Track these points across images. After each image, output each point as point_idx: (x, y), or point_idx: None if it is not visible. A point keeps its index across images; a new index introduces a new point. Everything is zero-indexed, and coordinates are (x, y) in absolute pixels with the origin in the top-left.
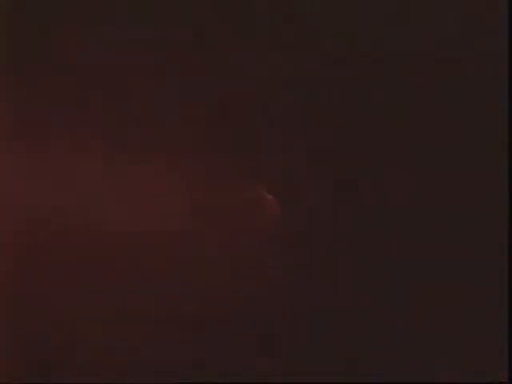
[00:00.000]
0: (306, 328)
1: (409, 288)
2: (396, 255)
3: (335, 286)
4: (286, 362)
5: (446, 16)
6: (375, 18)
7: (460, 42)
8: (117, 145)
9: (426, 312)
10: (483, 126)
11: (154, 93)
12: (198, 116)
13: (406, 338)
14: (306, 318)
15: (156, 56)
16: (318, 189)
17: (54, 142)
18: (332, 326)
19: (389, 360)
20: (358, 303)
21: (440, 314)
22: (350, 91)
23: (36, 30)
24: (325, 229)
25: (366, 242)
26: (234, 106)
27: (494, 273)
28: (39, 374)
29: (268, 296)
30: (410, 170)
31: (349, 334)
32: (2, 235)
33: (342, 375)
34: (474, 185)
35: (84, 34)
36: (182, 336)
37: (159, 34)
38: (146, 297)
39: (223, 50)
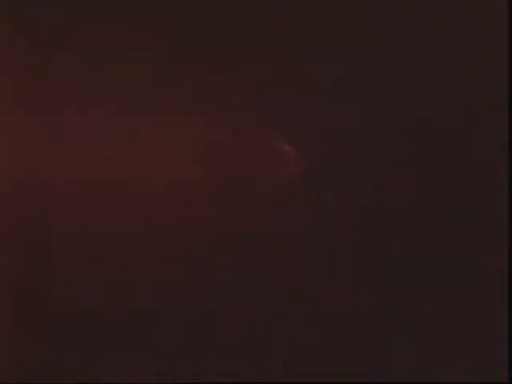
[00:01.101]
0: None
1: (409, 288)
2: (396, 255)
3: (350, 250)
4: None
5: (446, 15)
6: (374, 16)
7: (460, 42)
8: (125, 96)
9: (426, 312)
10: (483, 126)
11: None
12: (217, 67)
13: (406, 337)
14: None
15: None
16: (340, 141)
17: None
18: (331, 323)
19: (389, 360)
20: (357, 301)
21: (440, 314)
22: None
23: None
24: (346, 182)
25: (365, 238)
26: (252, 54)
27: (494, 273)
28: (39, 374)
29: (284, 250)
30: (410, 170)
31: (348, 333)
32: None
33: (342, 375)
34: (474, 185)
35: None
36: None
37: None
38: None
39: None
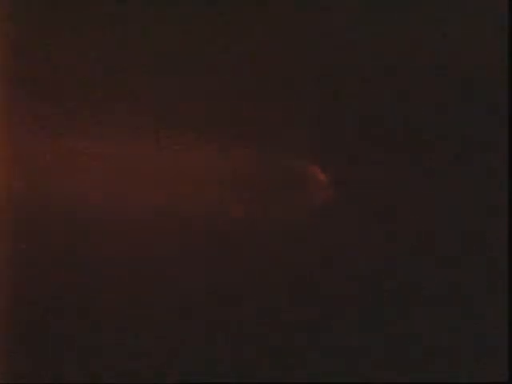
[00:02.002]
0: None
1: (409, 288)
2: (396, 254)
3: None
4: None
5: (446, 16)
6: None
7: (460, 42)
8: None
9: (426, 312)
10: (483, 127)
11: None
12: (237, 88)
13: (407, 338)
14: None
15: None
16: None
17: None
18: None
19: (389, 360)
20: (358, 302)
21: (440, 313)
22: None
23: None
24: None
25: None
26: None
27: (494, 273)
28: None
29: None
30: (411, 169)
31: (348, 333)
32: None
33: (342, 375)
34: (474, 185)
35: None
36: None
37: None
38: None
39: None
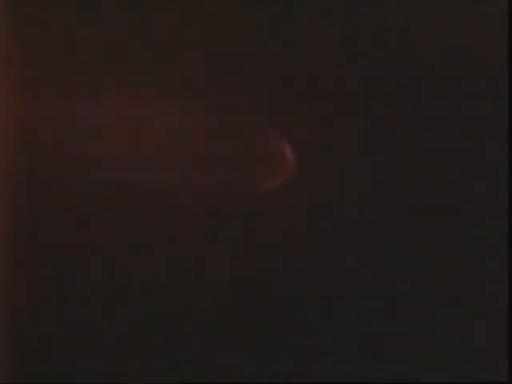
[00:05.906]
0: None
1: (409, 288)
2: (394, 255)
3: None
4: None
5: (446, 15)
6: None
7: (460, 41)
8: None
9: (426, 312)
10: (483, 125)
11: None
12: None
13: (406, 337)
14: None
15: None
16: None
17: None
18: (330, 321)
19: (389, 360)
20: (357, 301)
21: (440, 313)
22: None
23: None
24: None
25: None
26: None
27: (494, 273)
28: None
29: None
30: (409, 171)
31: (348, 332)
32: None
33: (342, 375)
34: (474, 185)
35: None
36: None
37: None
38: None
39: None
